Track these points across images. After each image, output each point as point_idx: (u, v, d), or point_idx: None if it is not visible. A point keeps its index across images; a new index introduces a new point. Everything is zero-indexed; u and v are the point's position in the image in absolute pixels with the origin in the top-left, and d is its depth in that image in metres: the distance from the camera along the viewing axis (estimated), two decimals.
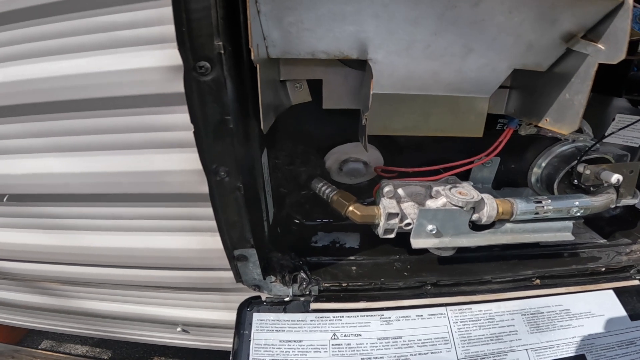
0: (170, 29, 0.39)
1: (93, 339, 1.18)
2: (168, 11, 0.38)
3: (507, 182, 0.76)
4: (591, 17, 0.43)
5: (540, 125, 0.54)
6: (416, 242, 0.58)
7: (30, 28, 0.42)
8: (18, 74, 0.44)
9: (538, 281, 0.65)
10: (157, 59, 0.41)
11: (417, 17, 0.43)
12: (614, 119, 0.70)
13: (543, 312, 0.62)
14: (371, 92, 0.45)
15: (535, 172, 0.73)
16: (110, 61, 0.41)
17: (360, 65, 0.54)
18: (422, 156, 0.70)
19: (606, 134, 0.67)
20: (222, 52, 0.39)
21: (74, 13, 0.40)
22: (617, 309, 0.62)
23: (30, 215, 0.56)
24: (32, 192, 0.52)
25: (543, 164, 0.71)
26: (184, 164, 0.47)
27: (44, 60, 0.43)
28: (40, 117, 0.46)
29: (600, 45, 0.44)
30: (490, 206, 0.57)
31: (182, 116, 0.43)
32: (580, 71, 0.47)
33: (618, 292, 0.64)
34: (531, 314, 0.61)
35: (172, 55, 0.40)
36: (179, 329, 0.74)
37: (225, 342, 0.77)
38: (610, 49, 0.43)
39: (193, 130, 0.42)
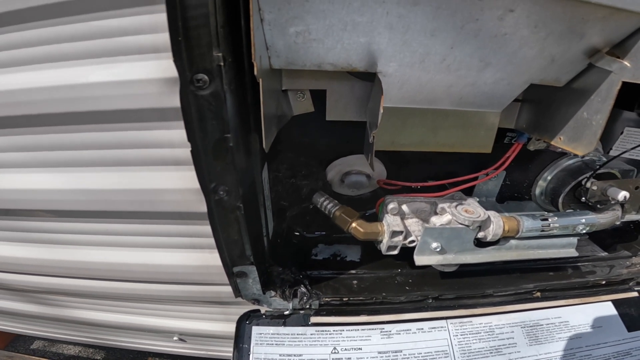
0: (163, 38, 0.35)
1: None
2: (161, 18, 0.34)
3: (511, 196, 0.75)
4: (620, 31, 0.41)
5: (553, 143, 0.52)
6: (420, 260, 0.57)
7: (13, 34, 0.38)
8: (0, 84, 0.40)
9: (539, 294, 0.65)
10: (152, 70, 0.37)
11: (434, 29, 0.40)
12: (622, 133, 0.69)
13: (542, 325, 0.62)
14: (381, 109, 0.42)
15: (540, 185, 0.71)
16: (100, 72, 0.37)
17: (367, 77, 0.50)
18: (426, 169, 0.68)
19: (618, 150, 0.65)
20: (222, 63, 0.36)
21: (60, 19, 0.36)
22: (615, 321, 0.63)
23: (21, 229, 0.53)
24: (19, 208, 0.49)
25: (549, 178, 0.70)
26: (181, 182, 0.44)
27: (27, 69, 0.39)
28: (26, 131, 0.42)
29: (626, 62, 0.41)
30: (497, 224, 0.56)
31: (178, 132, 0.39)
32: (601, 89, 0.44)
33: (617, 303, 0.65)
34: (531, 326, 0.62)
35: (167, 67, 0.36)
36: (175, 338, 0.73)
37: (223, 351, 0.77)
38: (637, 67, 0.41)
39: (190, 149, 0.39)
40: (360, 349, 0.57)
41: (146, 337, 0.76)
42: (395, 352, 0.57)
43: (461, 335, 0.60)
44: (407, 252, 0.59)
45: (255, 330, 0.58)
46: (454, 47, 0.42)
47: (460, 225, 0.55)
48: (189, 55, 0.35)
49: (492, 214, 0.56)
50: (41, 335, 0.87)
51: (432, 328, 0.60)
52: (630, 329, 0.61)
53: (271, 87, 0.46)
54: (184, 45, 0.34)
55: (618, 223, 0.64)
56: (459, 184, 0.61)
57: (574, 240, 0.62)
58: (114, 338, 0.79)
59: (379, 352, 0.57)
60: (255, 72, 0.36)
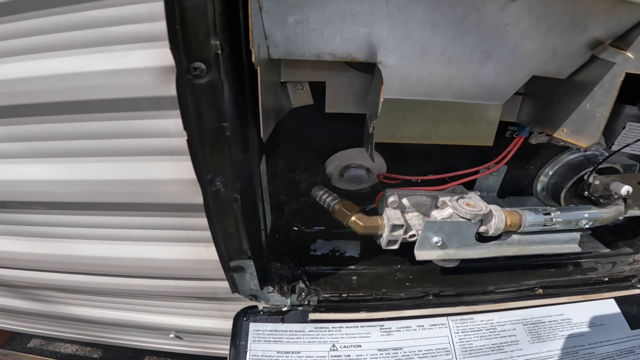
0: (160, 26, 0.34)
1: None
2: (158, 6, 0.33)
3: (512, 190, 0.74)
4: (624, 23, 0.40)
5: (556, 135, 0.51)
6: (420, 254, 0.56)
7: (8, 24, 0.37)
8: None
9: (541, 291, 0.65)
10: (148, 59, 0.37)
11: (435, 21, 0.39)
12: (624, 128, 0.68)
13: (544, 322, 0.61)
14: (381, 100, 0.41)
15: (542, 180, 0.71)
16: (96, 61, 0.37)
17: (367, 68, 0.50)
18: (427, 163, 0.68)
19: (620, 145, 0.65)
20: (219, 52, 0.35)
21: (55, 8, 0.36)
22: (618, 318, 0.62)
23: (14, 222, 0.52)
24: (11, 199, 0.48)
25: (550, 173, 0.69)
26: (177, 173, 0.43)
27: (22, 59, 0.38)
28: (20, 121, 0.42)
29: (629, 54, 0.41)
30: (499, 218, 0.55)
31: (175, 122, 0.39)
32: (604, 81, 0.44)
33: (619, 301, 0.64)
34: (533, 323, 0.61)
35: (164, 55, 0.35)
36: (171, 335, 0.72)
37: (219, 348, 0.76)
38: None
39: (186, 138, 0.39)
40: (360, 346, 0.56)
41: (142, 334, 0.76)
42: (395, 349, 0.56)
43: (462, 332, 0.59)
44: (407, 248, 0.59)
45: (253, 327, 0.57)
46: (455, 39, 0.42)
47: (462, 219, 0.54)
48: (186, 44, 0.35)
49: (494, 207, 0.56)
50: (38, 333, 0.87)
51: (433, 325, 0.59)
52: (633, 326, 0.61)
53: (270, 78, 0.45)
54: (181, 33, 0.34)
55: (621, 219, 0.63)
56: (460, 177, 0.60)
57: (577, 235, 0.61)
58: (110, 335, 0.78)
59: (379, 350, 0.56)
60: (253, 60, 0.36)
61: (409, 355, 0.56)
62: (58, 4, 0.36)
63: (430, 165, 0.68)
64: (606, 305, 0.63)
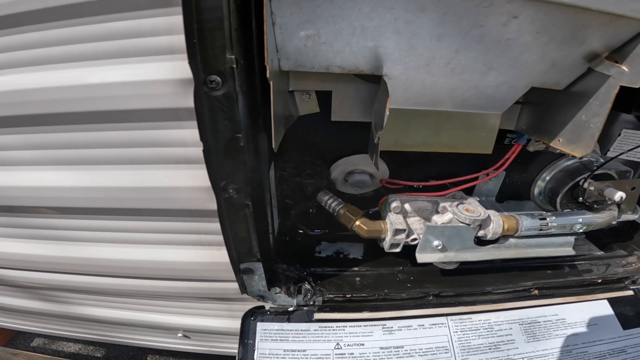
0: (179, 40, 0.36)
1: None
2: (177, 20, 0.35)
3: (510, 195, 0.77)
4: (620, 37, 0.42)
5: (552, 144, 0.53)
6: (422, 257, 0.58)
7: (31, 34, 0.39)
8: (17, 83, 0.41)
9: (536, 292, 0.67)
10: (167, 71, 0.38)
11: (440, 34, 0.41)
12: (619, 135, 0.70)
13: (540, 322, 0.63)
14: (387, 112, 0.43)
15: (539, 185, 0.73)
16: (116, 72, 0.39)
17: (373, 78, 0.52)
18: (428, 168, 0.70)
19: (616, 151, 0.67)
20: (235, 66, 0.37)
21: (77, 19, 0.37)
22: (611, 319, 0.64)
23: (34, 226, 0.54)
24: (33, 205, 0.50)
25: (547, 178, 0.71)
26: (191, 180, 0.45)
27: (44, 69, 0.39)
28: (41, 129, 0.43)
29: (624, 67, 0.43)
30: (497, 223, 0.57)
31: (191, 132, 0.40)
32: (599, 93, 0.46)
33: (612, 302, 0.66)
34: (528, 323, 0.63)
35: (181, 68, 0.37)
36: (179, 335, 0.74)
37: (227, 347, 0.78)
38: (635, 72, 0.42)
39: (202, 148, 0.40)
40: (363, 344, 0.58)
41: (151, 333, 0.77)
42: (397, 347, 0.58)
43: (461, 331, 0.61)
44: (408, 250, 0.61)
45: (260, 326, 0.59)
46: (459, 52, 0.44)
47: (461, 224, 0.56)
48: (203, 57, 0.36)
49: (492, 213, 0.58)
50: (43, 332, 0.88)
51: (433, 324, 0.61)
52: (625, 326, 0.63)
53: (279, 88, 0.47)
54: (199, 47, 0.36)
55: (614, 223, 0.65)
56: (460, 183, 0.62)
57: (571, 239, 0.63)
58: (118, 334, 0.80)
59: (381, 348, 0.58)
60: (268, 75, 0.37)
61: (410, 353, 0.58)
62: (80, 15, 0.38)
63: (431, 169, 0.70)
64: (599, 306, 0.65)
